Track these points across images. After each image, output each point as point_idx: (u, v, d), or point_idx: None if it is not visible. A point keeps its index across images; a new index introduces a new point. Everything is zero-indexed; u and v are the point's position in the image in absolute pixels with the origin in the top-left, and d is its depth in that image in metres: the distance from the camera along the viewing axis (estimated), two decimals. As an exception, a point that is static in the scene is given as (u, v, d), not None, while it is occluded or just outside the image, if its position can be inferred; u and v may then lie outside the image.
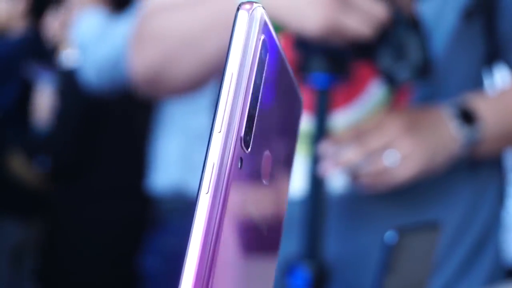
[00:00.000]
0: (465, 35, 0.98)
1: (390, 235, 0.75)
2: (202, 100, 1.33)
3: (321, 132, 0.87)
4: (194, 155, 1.63)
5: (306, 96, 0.92)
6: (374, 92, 0.97)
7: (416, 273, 0.80)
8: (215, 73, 0.97)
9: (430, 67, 0.84)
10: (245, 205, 0.29)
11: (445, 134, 0.92)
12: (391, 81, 0.85)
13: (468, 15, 0.97)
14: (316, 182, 0.86)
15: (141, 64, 1.00)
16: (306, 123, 0.95)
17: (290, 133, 0.37)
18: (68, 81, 2.38)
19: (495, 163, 1.06)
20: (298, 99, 0.38)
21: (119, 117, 2.40)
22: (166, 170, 1.74)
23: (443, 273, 0.97)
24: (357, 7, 0.81)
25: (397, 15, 0.83)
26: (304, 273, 0.84)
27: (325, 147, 0.87)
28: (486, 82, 1.07)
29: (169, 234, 1.62)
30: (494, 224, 1.06)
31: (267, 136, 0.32)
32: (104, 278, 2.35)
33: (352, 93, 0.95)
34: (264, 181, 0.32)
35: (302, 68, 0.87)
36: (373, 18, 0.82)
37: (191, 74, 0.97)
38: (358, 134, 0.89)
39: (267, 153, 0.32)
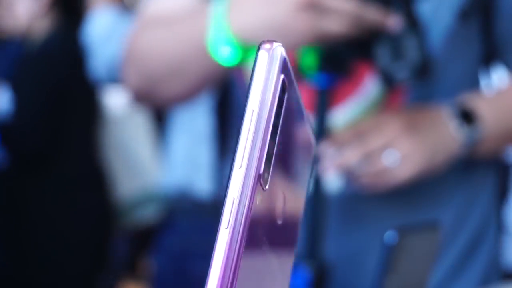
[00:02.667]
0: (461, 35, 0.98)
1: (390, 235, 0.75)
2: (206, 101, 1.33)
3: (321, 132, 0.87)
4: (199, 156, 1.63)
5: (305, 94, 0.92)
6: (370, 89, 0.96)
7: (416, 273, 0.79)
8: (210, 86, 0.98)
9: (428, 67, 0.84)
10: (259, 241, 0.30)
11: (445, 134, 0.91)
12: (389, 80, 0.84)
13: (465, 15, 0.96)
14: (316, 182, 0.86)
15: (133, 79, 1.02)
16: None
17: (303, 174, 0.37)
18: (29, 70, 2.37)
19: (490, 164, 1.06)
20: (310, 139, 0.38)
21: (83, 106, 2.40)
22: (173, 170, 1.75)
23: (436, 273, 0.97)
24: (329, 9, 0.81)
25: (396, 13, 0.83)
26: (304, 272, 0.84)
27: (325, 147, 0.87)
28: (483, 82, 1.07)
29: (176, 234, 1.63)
30: (488, 225, 1.05)
31: (283, 176, 0.32)
32: (76, 270, 2.35)
33: (348, 90, 0.95)
34: (278, 221, 0.32)
35: (302, 68, 0.87)
36: (347, 15, 0.82)
37: (179, 94, 0.99)
38: (357, 133, 0.89)
39: (282, 192, 0.32)
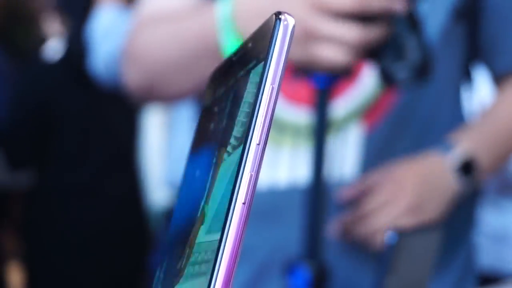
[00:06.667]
0: (451, 36, 0.98)
1: (390, 235, 0.75)
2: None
3: (321, 132, 0.86)
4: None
5: (306, 89, 0.93)
6: (367, 84, 0.96)
7: (416, 273, 0.79)
8: None
9: (429, 67, 0.84)
10: None
11: (446, 192, 0.93)
12: (390, 80, 0.84)
13: (458, 14, 0.96)
14: (316, 182, 0.86)
15: (133, 77, 1.02)
16: (306, 116, 0.95)
17: None
18: (30, 76, 2.38)
19: None
20: None
21: (80, 114, 2.39)
22: (177, 170, 1.76)
23: None
24: (328, 36, 0.77)
25: (396, 15, 0.83)
26: (304, 272, 0.84)
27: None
28: (466, 84, 1.07)
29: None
30: (466, 230, 1.05)
31: None
32: (85, 280, 2.34)
33: (345, 84, 0.96)
34: None
35: (304, 67, 0.87)
36: (348, 44, 0.78)
37: (184, 91, 0.99)
38: (365, 191, 0.91)
39: None
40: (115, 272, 2.35)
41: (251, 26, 0.82)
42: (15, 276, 2.69)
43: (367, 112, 0.96)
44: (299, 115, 0.96)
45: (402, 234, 0.75)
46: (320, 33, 0.77)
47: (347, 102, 0.97)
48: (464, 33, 1.00)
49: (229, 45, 0.85)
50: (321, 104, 0.86)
